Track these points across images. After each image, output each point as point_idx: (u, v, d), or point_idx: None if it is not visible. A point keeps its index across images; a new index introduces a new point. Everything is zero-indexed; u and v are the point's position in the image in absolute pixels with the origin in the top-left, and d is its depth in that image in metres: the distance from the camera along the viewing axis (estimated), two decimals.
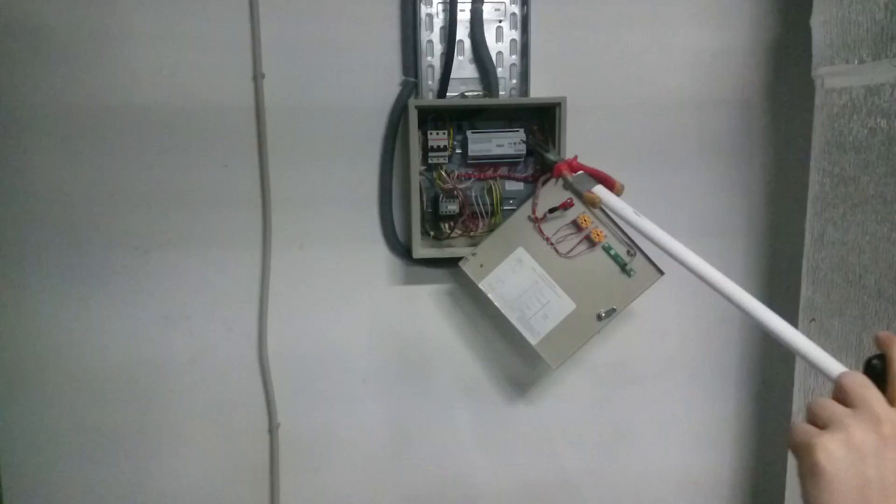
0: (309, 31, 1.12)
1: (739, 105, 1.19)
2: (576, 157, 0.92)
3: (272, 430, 1.21)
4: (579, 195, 0.86)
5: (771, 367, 1.27)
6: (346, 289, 1.19)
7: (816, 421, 0.51)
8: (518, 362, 1.23)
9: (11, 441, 1.18)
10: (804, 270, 1.04)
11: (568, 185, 0.89)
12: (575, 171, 0.91)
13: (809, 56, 1.01)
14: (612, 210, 0.83)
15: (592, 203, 0.85)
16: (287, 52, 1.12)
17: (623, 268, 1.07)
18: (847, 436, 0.48)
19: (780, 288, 1.24)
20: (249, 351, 1.19)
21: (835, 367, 0.58)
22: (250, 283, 1.17)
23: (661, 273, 1.08)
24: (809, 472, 0.49)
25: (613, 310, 1.08)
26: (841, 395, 0.52)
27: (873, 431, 0.48)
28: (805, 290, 1.04)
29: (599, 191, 0.85)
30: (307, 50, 1.12)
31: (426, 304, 1.21)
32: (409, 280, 1.20)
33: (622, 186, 0.87)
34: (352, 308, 1.20)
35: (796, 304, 1.07)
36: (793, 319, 1.06)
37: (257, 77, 1.11)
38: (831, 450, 0.48)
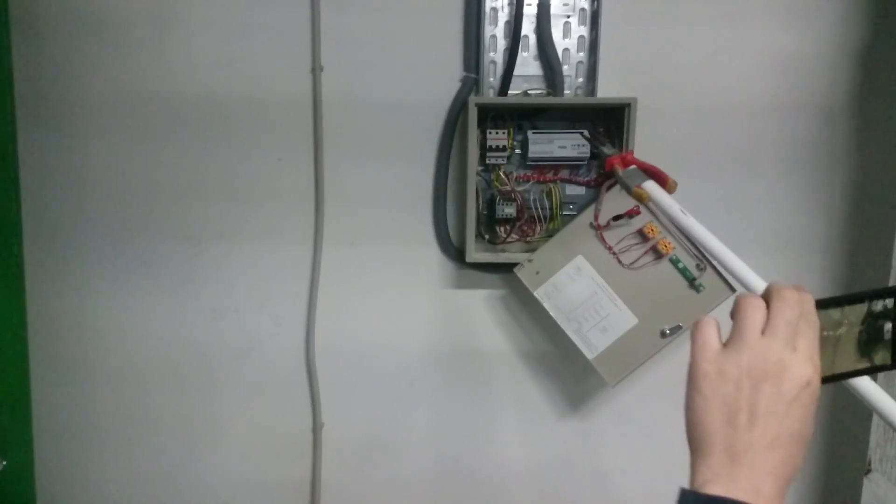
0: (370, 24, 1.09)
1: (822, 112, 1.11)
2: (631, 152, 0.86)
3: (316, 429, 1.19)
4: (629, 189, 0.80)
5: (846, 409, 1.18)
6: (397, 289, 1.16)
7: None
8: (572, 376, 1.17)
9: (56, 424, 1.19)
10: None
11: (618, 179, 0.83)
12: (628, 166, 0.84)
13: None
14: (659, 207, 0.77)
15: (640, 199, 0.79)
16: (347, 45, 1.09)
17: (692, 283, 1.01)
18: (726, 353, 0.48)
19: None
20: (297, 347, 1.17)
21: (757, 284, 0.60)
22: (300, 278, 1.15)
23: (733, 290, 1.01)
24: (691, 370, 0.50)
25: (679, 327, 1.01)
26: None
27: (736, 357, 0.48)
28: None
29: (649, 186, 0.79)
30: (367, 43, 1.09)
31: (478, 309, 1.17)
32: (461, 284, 1.16)
33: (675, 183, 0.80)
34: (401, 309, 1.16)
35: None
36: None
37: (316, 70, 1.09)
38: (708, 360, 0.49)
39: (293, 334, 1.17)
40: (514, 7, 1.05)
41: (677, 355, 1.16)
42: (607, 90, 1.09)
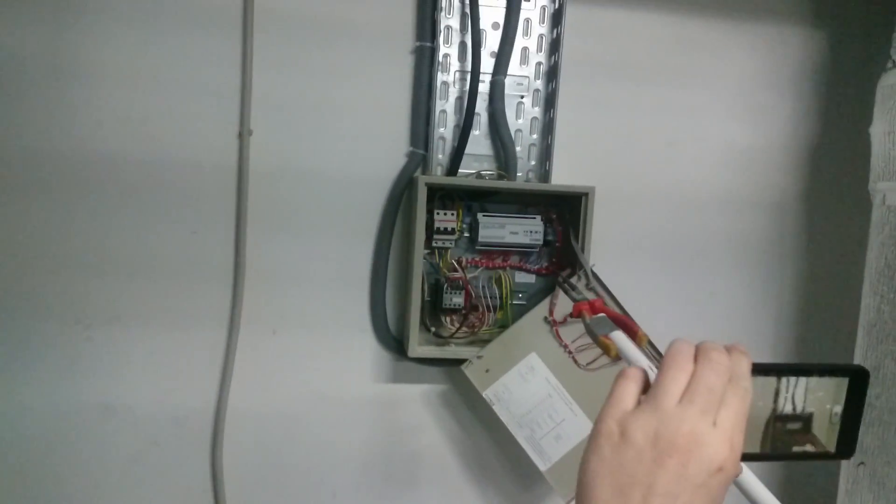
0: (308, 87, 0.98)
1: (773, 207, 1.09)
2: (601, 300, 0.78)
3: None
4: (595, 338, 0.71)
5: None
6: (324, 384, 1.02)
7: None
8: (521, 487, 1.06)
9: None
10: None
11: (585, 326, 0.75)
12: (596, 313, 0.76)
13: (849, 160, 0.92)
14: (627, 360, 0.68)
15: (606, 350, 0.70)
16: (281, 109, 0.97)
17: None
18: (635, 415, 0.42)
19: None
20: (201, 453, 1.00)
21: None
22: (210, 370, 0.99)
23: None
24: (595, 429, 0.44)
25: None
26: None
27: (645, 421, 0.42)
28: None
29: (617, 337, 0.70)
30: (304, 108, 0.98)
31: (415, 407, 1.04)
32: (398, 378, 1.04)
33: (645, 336, 0.72)
34: (328, 408, 1.02)
35: None
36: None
37: (244, 133, 0.96)
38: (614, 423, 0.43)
39: (197, 437, 1.00)
40: (469, 82, 0.97)
41: None
42: (560, 173, 1.03)
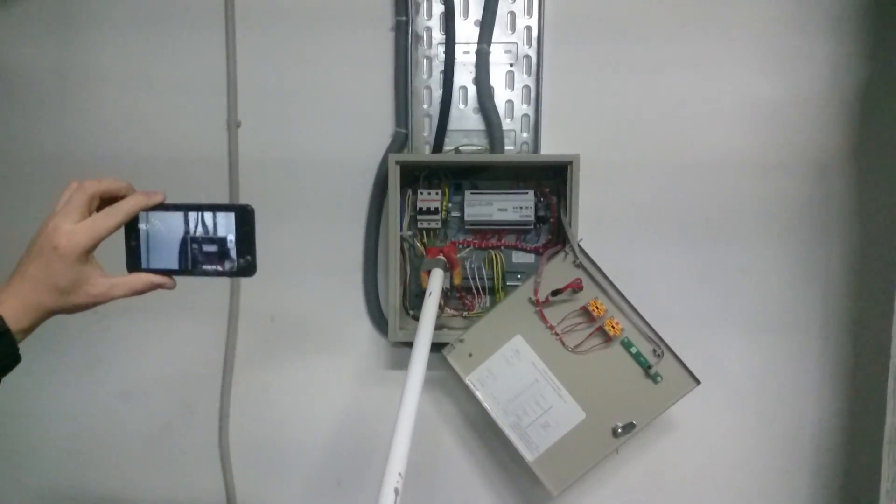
0: (292, 76, 0.99)
1: (812, 169, 0.95)
2: (454, 246, 0.94)
3: None
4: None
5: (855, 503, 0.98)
6: (323, 371, 1.02)
7: None
8: (522, 475, 1.00)
9: None
10: (890, 390, 0.77)
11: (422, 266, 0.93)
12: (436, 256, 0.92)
13: None
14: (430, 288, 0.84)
15: (423, 282, 0.89)
16: (267, 99, 0.99)
17: (647, 371, 0.84)
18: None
19: (863, 405, 0.96)
20: (210, 437, 1.03)
21: None
22: (214, 358, 1.02)
23: (697, 382, 0.84)
24: None
25: (633, 424, 0.84)
26: None
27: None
28: (891, 417, 0.77)
29: (433, 272, 0.87)
30: (289, 96, 0.99)
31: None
32: (396, 364, 1.01)
33: (460, 274, 0.92)
34: (329, 394, 1.02)
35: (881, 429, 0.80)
36: (877, 450, 0.79)
37: (231, 125, 0.99)
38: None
39: (206, 422, 1.03)
40: (445, 53, 0.93)
41: (641, 457, 0.99)
42: (557, 146, 0.96)
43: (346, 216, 1.00)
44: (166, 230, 0.62)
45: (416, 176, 0.95)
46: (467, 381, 0.88)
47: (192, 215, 0.62)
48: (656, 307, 0.88)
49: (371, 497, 1.04)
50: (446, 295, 0.96)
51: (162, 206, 0.62)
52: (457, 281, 0.92)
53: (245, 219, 0.62)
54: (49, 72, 1.00)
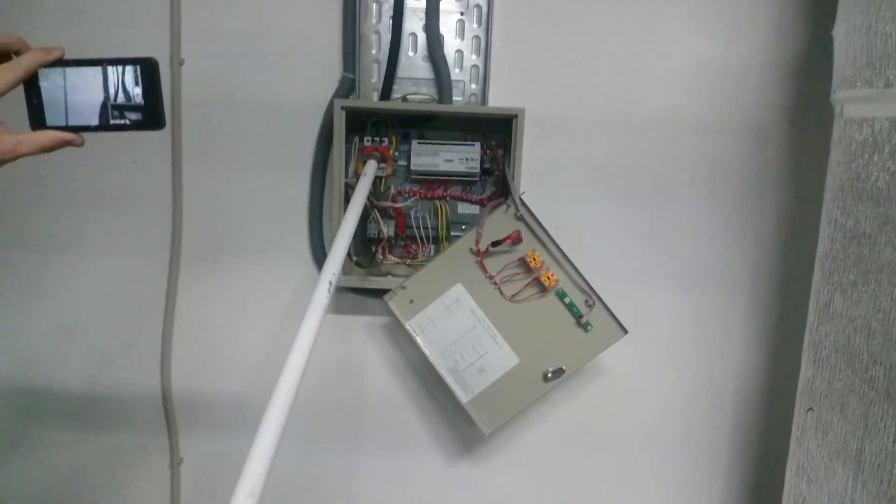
0: (238, 14, 0.96)
1: (750, 131, 0.98)
2: (387, 148, 0.95)
3: (173, 465, 1.06)
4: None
5: (770, 450, 1.05)
6: (265, 313, 1.03)
7: None
8: (458, 415, 1.04)
9: None
10: (805, 344, 0.82)
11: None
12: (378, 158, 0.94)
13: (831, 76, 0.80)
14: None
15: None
16: (211, 37, 0.97)
17: (578, 320, 0.88)
18: None
19: (783, 360, 1.02)
20: (152, 376, 1.04)
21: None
22: (156, 297, 1.02)
23: (625, 331, 0.88)
24: None
25: (562, 370, 0.88)
26: None
27: None
28: (805, 371, 0.83)
29: (368, 162, 0.91)
30: (235, 35, 0.97)
31: (358, 338, 1.04)
32: (341, 309, 1.03)
33: (390, 165, 0.94)
34: (271, 336, 1.03)
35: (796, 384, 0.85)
36: (793, 401, 0.85)
37: (174, 63, 0.96)
38: None
39: (147, 360, 1.04)
40: None
41: (570, 402, 1.03)
42: (505, 98, 0.96)
43: (292, 160, 0.99)
44: (70, 86, 0.61)
45: (363, 123, 0.95)
46: (407, 327, 0.91)
47: (96, 70, 0.61)
48: (592, 261, 0.91)
49: (311, 439, 1.06)
50: (391, 243, 0.97)
51: (62, 62, 0.61)
52: (388, 171, 0.94)
53: (149, 71, 0.61)
54: None
